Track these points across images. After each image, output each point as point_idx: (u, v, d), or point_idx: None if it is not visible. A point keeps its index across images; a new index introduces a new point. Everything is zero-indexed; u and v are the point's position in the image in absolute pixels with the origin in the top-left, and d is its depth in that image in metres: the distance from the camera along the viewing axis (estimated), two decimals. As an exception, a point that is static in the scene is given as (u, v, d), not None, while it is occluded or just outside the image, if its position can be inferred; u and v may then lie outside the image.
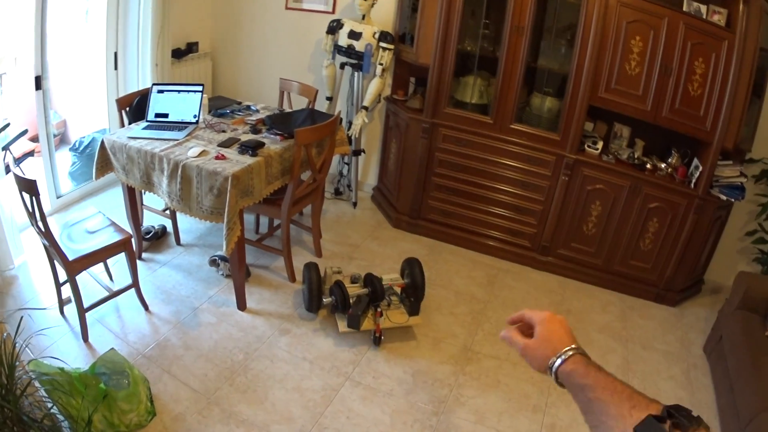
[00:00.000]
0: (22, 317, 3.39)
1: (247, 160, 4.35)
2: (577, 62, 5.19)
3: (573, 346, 1.35)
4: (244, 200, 4.33)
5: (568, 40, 5.38)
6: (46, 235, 3.78)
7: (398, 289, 4.90)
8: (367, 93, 6.21)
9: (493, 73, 5.67)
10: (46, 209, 3.79)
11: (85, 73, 6.46)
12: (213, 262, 5.20)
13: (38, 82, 5.20)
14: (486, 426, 3.97)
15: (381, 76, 6.11)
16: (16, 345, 3.01)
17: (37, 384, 3.08)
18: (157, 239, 5.49)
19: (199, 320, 4.57)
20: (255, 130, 4.93)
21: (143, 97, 5.02)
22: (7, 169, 4.01)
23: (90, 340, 4.18)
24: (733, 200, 5.26)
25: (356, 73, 6.28)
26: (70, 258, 3.90)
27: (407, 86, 6.51)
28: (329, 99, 6.54)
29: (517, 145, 5.65)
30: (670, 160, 5.46)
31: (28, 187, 3.60)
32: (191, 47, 6.81)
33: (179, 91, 4.94)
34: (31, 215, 3.80)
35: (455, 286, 5.54)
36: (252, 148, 4.44)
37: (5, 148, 4.50)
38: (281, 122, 5.01)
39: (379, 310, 4.61)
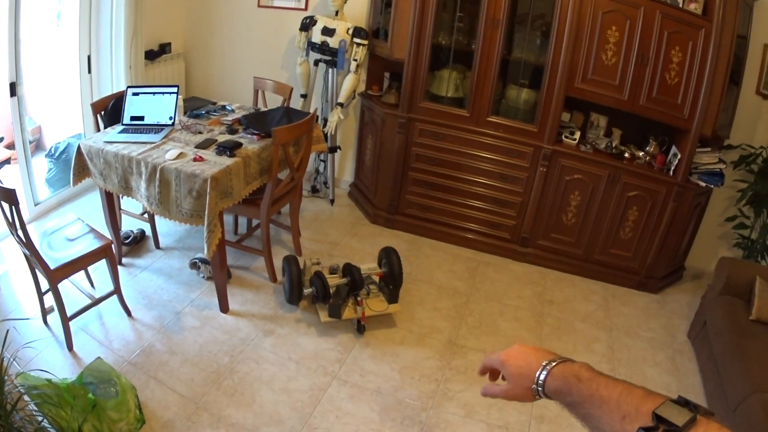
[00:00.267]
0: (8, 330, 3.34)
1: (226, 161, 4.32)
2: (553, 53, 5.20)
3: (543, 362, 1.33)
4: (224, 201, 4.30)
5: (544, 31, 5.39)
6: (27, 244, 3.73)
7: (376, 278, 4.95)
8: (341, 89, 6.19)
9: (468, 66, 5.66)
10: (24, 217, 3.73)
11: (59, 77, 6.37)
12: (193, 265, 5.16)
13: (13, 89, 5.12)
14: (475, 419, 3.98)
15: (355, 72, 6.08)
16: (4, 359, 2.97)
17: (26, 398, 3.04)
18: (136, 244, 5.44)
19: (182, 324, 4.54)
20: (231, 130, 4.88)
21: (118, 100, 4.96)
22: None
23: (75, 349, 4.13)
24: (712, 186, 5.31)
25: (330, 70, 6.24)
26: (52, 267, 3.84)
27: (382, 81, 6.49)
28: (304, 96, 6.49)
29: (494, 137, 5.65)
30: (648, 148, 5.49)
31: (8, 196, 3.54)
32: (164, 48, 6.74)
33: (154, 93, 4.88)
34: (11, 224, 3.74)
35: (437, 280, 5.54)
36: (229, 148, 4.41)
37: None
38: (257, 122, 4.98)
39: (359, 299, 4.63)
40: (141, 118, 4.81)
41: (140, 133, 4.63)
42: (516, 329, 4.98)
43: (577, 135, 5.54)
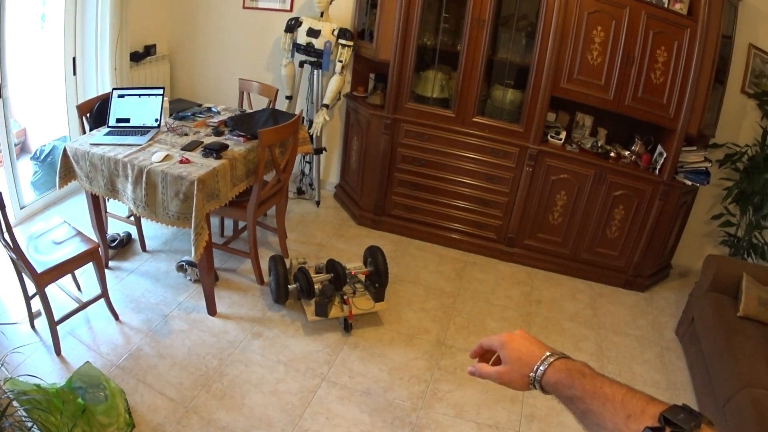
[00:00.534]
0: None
1: (212, 163, 4.30)
2: (538, 54, 5.22)
3: (547, 353, 1.32)
4: (211, 204, 4.29)
5: (529, 31, 5.41)
6: (14, 248, 3.71)
7: (362, 277, 4.96)
8: (327, 91, 6.18)
9: (453, 66, 5.68)
10: (10, 221, 3.71)
11: (44, 79, 6.34)
12: (180, 268, 5.14)
13: (-3, 91, 5.11)
14: (465, 419, 3.98)
15: (341, 74, 6.08)
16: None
17: (15, 404, 3.02)
18: (122, 247, 5.42)
19: (170, 328, 4.52)
20: (217, 132, 4.87)
21: (104, 102, 4.93)
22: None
23: (63, 353, 4.10)
24: (698, 185, 5.35)
25: (316, 71, 6.23)
26: (39, 270, 3.81)
27: (367, 83, 6.48)
28: (289, 98, 6.48)
29: (479, 137, 5.66)
30: (633, 147, 5.52)
31: (-6, 200, 3.52)
32: (149, 50, 6.70)
33: (140, 95, 4.86)
34: (-4, 228, 3.72)
35: (424, 281, 5.55)
36: (216, 150, 4.40)
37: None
38: (243, 123, 4.96)
39: (345, 297, 4.64)
40: (127, 120, 4.78)
41: (126, 135, 4.61)
42: (504, 329, 4.91)
43: (563, 135, 5.56)
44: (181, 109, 5.25)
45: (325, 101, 6.16)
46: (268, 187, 4.86)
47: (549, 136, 5.57)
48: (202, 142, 4.59)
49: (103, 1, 5.63)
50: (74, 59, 5.93)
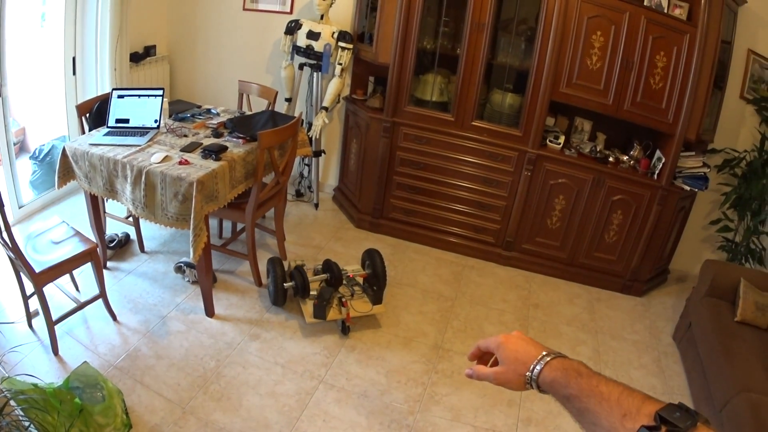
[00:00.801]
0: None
1: (211, 164, 4.30)
2: (538, 58, 5.23)
3: (543, 353, 1.33)
4: (209, 205, 4.28)
5: (529, 36, 5.42)
6: (12, 247, 3.70)
7: (360, 280, 4.97)
8: (326, 93, 6.18)
9: (453, 70, 5.68)
10: (8, 220, 3.71)
11: (43, 79, 6.34)
12: (178, 269, 5.14)
13: (-4, 90, 5.11)
14: (462, 422, 3.98)
15: (340, 76, 6.09)
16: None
17: (12, 403, 3.02)
18: (120, 247, 5.41)
19: (168, 328, 4.51)
20: (217, 133, 4.87)
21: (103, 102, 4.93)
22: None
23: (60, 353, 4.09)
24: (696, 190, 5.36)
25: (315, 74, 6.24)
26: (37, 270, 3.80)
27: (367, 86, 6.50)
28: (288, 100, 6.48)
29: (478, 141, 5.66)
30: (632, 152, 5.54)
31: (-7, 199, 3.52)
32: (149, 50, 6.70)
33: (139, 96, 4.85)
34: (-5, 227, 3.72)
35: (422, 284, 5.55)
36: (215, 152, 4.40)
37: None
38: (242, 125, 4.96)
39: (343, 299, 4.65)
40: (126, 121, 4.78)
41: (125, 135, 4.60)
42: (501, 333, 4.95)
43: (562, 139, 5.57)
44: (180, 111, 5.25)
45: (325, 104, 6.17)
46: (266, 189, 4.86)
47: (548, 141, 5.58)
48: (202, 144, 4.59)
49: (104, 1, 5.63)
50: (74, 59, 5.93)
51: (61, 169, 4.57)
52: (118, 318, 4.53)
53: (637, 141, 5.55)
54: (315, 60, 6.05)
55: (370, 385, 4.21)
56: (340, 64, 5.99)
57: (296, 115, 5.27)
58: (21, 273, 4.09)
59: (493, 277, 5.84)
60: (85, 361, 3.75)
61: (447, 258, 6.06)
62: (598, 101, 5.21)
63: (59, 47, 5.84)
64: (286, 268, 4.88)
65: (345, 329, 4.64)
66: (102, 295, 4.40)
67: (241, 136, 4.78)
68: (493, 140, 5.61)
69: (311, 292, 4.68)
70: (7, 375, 3.40)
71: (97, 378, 3.58)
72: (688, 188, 5.31)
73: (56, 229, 4.36)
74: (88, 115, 4.99)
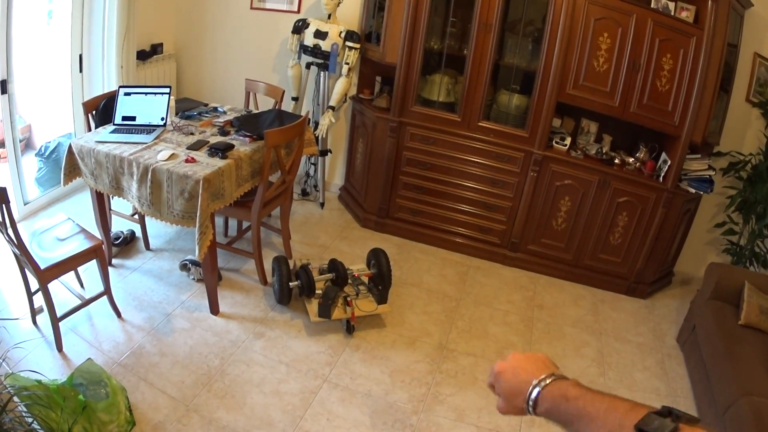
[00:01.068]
0: (-2, 330, 3.32)
1: (218, 162, 4.30)
2: (544, 59, 5.22)
3: (534, 381, 1.30)
4: (215, 203, 4.29)
5: (536, 37, 5.41)
6: (17, 244, 3.71)
7: (366, 279, 4.97)
8: (333, 93, 6.20)
9: (460, 71, 5.68)
10: (14, 216, 3.71)
11: (50, 76, 6.35)
12: (184, 267, 5.14)
13: (3, 86, 5.10)
14: (466, 423, 3.98)
15: (347, 76, 6.10)
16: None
17: (16, 399, 3.02)
18: (126, 245, 5.42)
19: (172, 326, 4.52)
20: (223, 132, 4.87)
21: (110, 99, 4.93)
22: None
23: (64, 350, 4.10)
24: (701, 193, 5.36)
25: (322, 73, 6.24)
26: (42, 267, 3.81)
27: (373, 85, 6.50)
28: (295, 99, 6.49)
29: (485, 142, 5.66)
30: (638, 154, 5.53)
31: (-1, 195, 3.53)
32: (156, 48, 6.72)
33: (146, 94, 4.86)
34: (1, 224, 3.71)
35: (427, 284, 5.55)
36: (221, 150, 4.40)
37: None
38: (249, 124, 4.97)
39: (348, 299, 4.65)
40: (133, 119, 4.79)
41: (132, 133, 4.61)
42: (506, 334, 4.99)
43: (568, 141, 5.57)
44: (187, 109, 5.26)
45: (331, 103, 6.18)
46: (272, 187, 4.87)
47: (554, 142, 5.58)
48: (208, 142, 4.60)
49: (111, -1, 5.66)
50: (81, 56, 5.95)
51: (67, 166, 4.57)
52: (122, 315, 4.54)
53: (642, 143, 5.55)
54: (322, 59, 6.05)
55: (374, 384, 4.21)
56: (347, 63, 6.00)
57: (303, 114, 5.27)
58: (26, 269, 4.10)
59: (498, 278, 5.84)
60: (89, 358, 3.76)
61: (452, 258, 6.06)
62: (604, 103, 5.21)
63: (66, 45, 5.85)
64: (291, 267, 4.89)
65: (350, 328, 4.65)
66: (107, 292, 4.40)
67: (248, 134, 4.78)
68: (500, 141, 5.61)
69: (316, 291, 4.69)
70: (10, 371, 3.40)
71: (101, 375, 3.58)
72: (693, 191, 5.30)
73: (61, 226, 4.37)
74: (94, 112, 4.99)
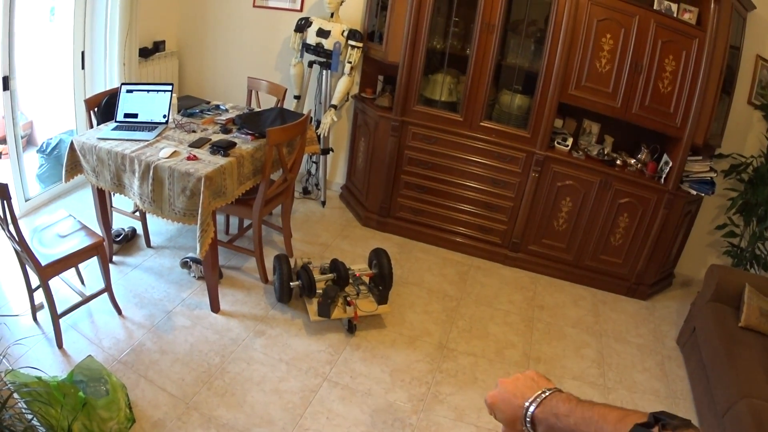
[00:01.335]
0: (-2, 327, 3.32)
1: (219, 160, 4.30)
2: (547, 60, 5.23)
3: (526, 404, 1.28)
4: (217, 201, 4.29)
5: (538, 37, 5.41)
6: (18, 240, 3.70)
7: (366, 279, 4.97)
8: (335, 91, 6.19)
9: (462, 70, 5.68)
10: (15, 213, 3.71)
11: (52, 72, 6.35)
12: (185, 264, 5.14)
13: (5, 83, 5.09)
14: (465, 422, 3.98)
15: (349, 75, 6.09)
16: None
17: (16, 396, 3.02)
18: (127, 242, 5.42)
19: (173, 324, 4.52)
20: (225, 129, 4.88)
21: (112, 97, 4.94)
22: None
23: (64, 346, 4.10)
24: (702, 195, 5.36)
25: (324, 72, 6.24)
26: (43, 263, 3.81)
27: (376, 84, 6.49)
28: (297, 98, 6.49)
29: (486, 142, 5.66)
30: (639, 155, 5.53)
31: (0, 191, 3.52)
32: (158, 46, 6.72)
33: (148, 91, 4.86)
34: (2, 220, 3.71)
35: (427, 283, 5.55)
36: (223, 148, 4.40)
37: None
38: (251, 122, 4.97)
39: (349, 299, 4.65)
40: (135, 116, 4.79)
41: (134, 130, 4.61)
42: (506, 334, 4.99)
43: (570, 141, 5.57)
44: (189, 106, 5.26)
45: (333, 102, 6.18)
46: (274, 185, 4.87)
47: (556, 143, 5.58)
48: (210, 140, 4.60)
49: (113, -4, 5.66)
50: (83, 53, 5.95)
51: (69, 162, 4.57)
52: (123, 312, 4.54)
53: (644, 144, 5.55)
54: (324, 58, 6.05)
55: (374, 383, 4.22)
56: (350, 62, 5.99)
57: (305, 112, 5.27)
58: (27, 266, 4.10)
59: (499, 278, 5.84)
60: (90, 355, 3.76)
61: (453, 258, 6.07)
62: (606, 104, 5.21)
63: (68, 41, 5.85)
64: (292, 266, 4.89)
65: (351, 328, 4.65)
66: (107, 289, 4.40)
67: (250, 132, 4.79)
68: (501, 141, 5.61)
69: (317, 291, 4.69)
70: (11, 368, 3.39)
71: (101, 372, 3.58)
72: (694, 193, 5.30)
73: (63, 223, 4.37)
74: (96, 109, 4.99)
